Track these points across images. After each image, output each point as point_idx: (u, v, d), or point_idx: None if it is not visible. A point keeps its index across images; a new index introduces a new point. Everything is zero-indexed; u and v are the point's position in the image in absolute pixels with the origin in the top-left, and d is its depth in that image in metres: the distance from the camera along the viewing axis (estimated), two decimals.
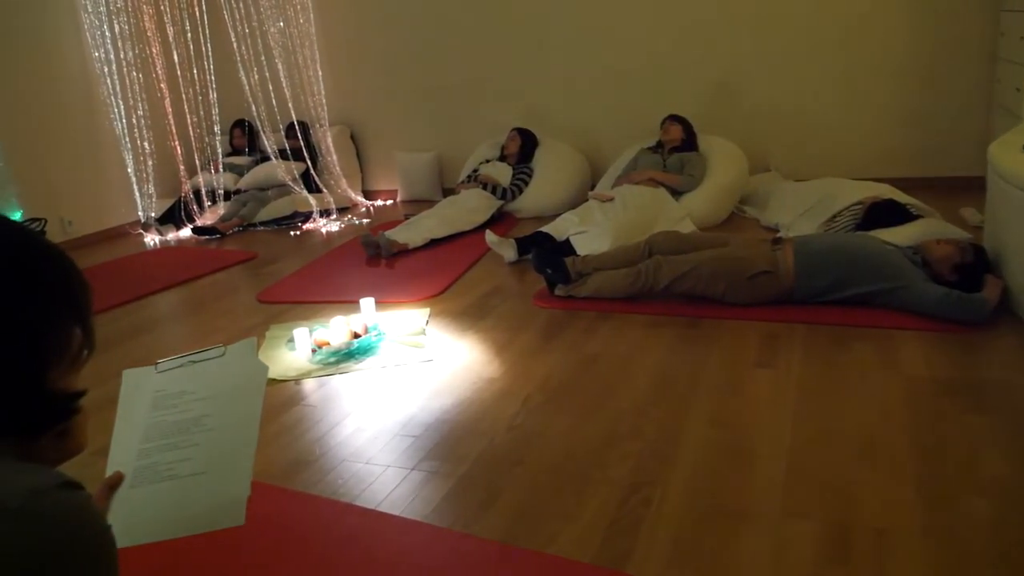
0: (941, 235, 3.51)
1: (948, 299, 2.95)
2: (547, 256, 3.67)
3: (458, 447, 2.32)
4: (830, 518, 1.82)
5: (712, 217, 4.81)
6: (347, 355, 3.10)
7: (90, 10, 5.72)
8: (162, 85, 6.14)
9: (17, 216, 5.17)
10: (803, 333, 3.00)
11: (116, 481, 1.09)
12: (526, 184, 5.56)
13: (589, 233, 4.15)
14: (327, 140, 6.35)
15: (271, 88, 6.19)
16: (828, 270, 3.19)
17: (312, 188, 6.20)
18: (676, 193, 4.78)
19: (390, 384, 2.85)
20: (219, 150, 6.47)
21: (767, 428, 2.29)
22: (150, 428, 1.12)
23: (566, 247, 4.10)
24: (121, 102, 5.87)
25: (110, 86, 5.84)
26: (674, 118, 5.07)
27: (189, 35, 6.14)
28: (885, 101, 5.22)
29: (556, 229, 4.34)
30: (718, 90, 5.56)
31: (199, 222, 6.05)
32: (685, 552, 1.75)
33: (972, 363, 2.64)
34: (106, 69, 5.81)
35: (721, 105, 5.55)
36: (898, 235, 3.59)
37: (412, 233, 4.82)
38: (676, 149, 4.99)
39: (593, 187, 5.46)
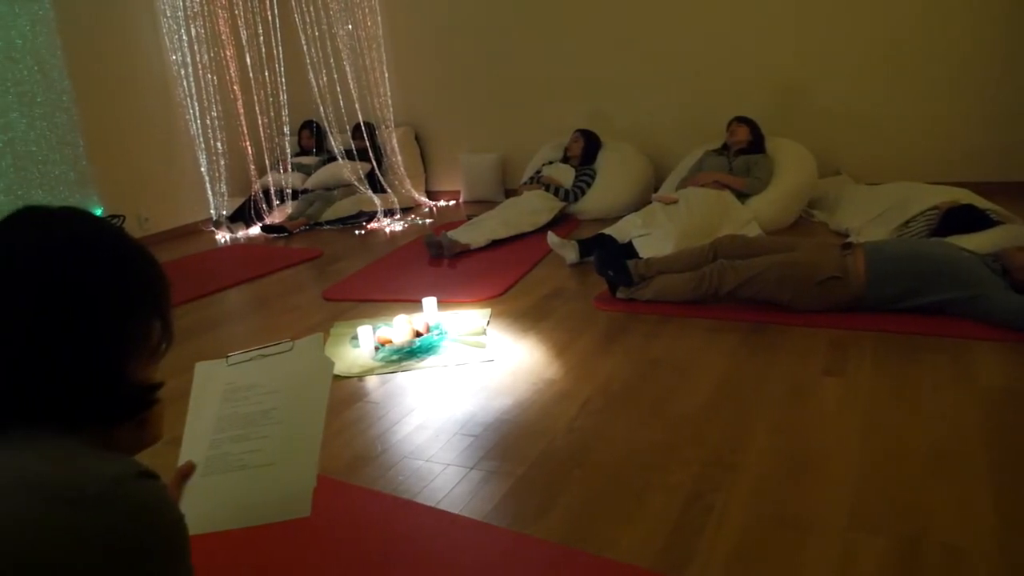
0: (1023, 242, 3.36)
1: None
2: (609, 258, 3.64)
3: (517, 448, 2.33)
4: (900, 533, 1.76)
5: (779, 221, 4.71)
6: (409, 353, 3.14)
7: (168, 15, 5.94)
8: (235, 87, 6.33)
9: (98, 212, 5.39)
10: (873, 341, 2.91)
11: (188, 470, 1.12)
12: (589, 186, 5.54)
13: (652, 236, 4.11)
14: (392, 141, 6.45)
15: (339, 90, 6.32)
16: (901, 277, 3.08)
17: (377, 188, 6.30)
18: (742, 196, 4.70)
19: (451, 383, 2.87)
20: (288, 150, 6.64)
21: (834, 438, 2.23)
22: (221, 419, 1.15)
23: (629, 249, 4.06)
24: (196, 103, 6.08)
25: (186, 88, 6.05)
26: (740, 119, 4.98)
27: (261, 39, 6.32)
28: (963, 100, 5.02)
29: (619, 231, 4.31)
30: (786, 91, 5.44)
31: (268, 220, 6.21)
32: (746, 561, 1.71)
33: None
34: (183, 71, 6.02)
35: (789, 106, 5.43)
36: (976, 242, 3.45)
37: (474, 234, 4.85)
38: (742, 151, 4.90)
39: (657, 189, 5.41)
